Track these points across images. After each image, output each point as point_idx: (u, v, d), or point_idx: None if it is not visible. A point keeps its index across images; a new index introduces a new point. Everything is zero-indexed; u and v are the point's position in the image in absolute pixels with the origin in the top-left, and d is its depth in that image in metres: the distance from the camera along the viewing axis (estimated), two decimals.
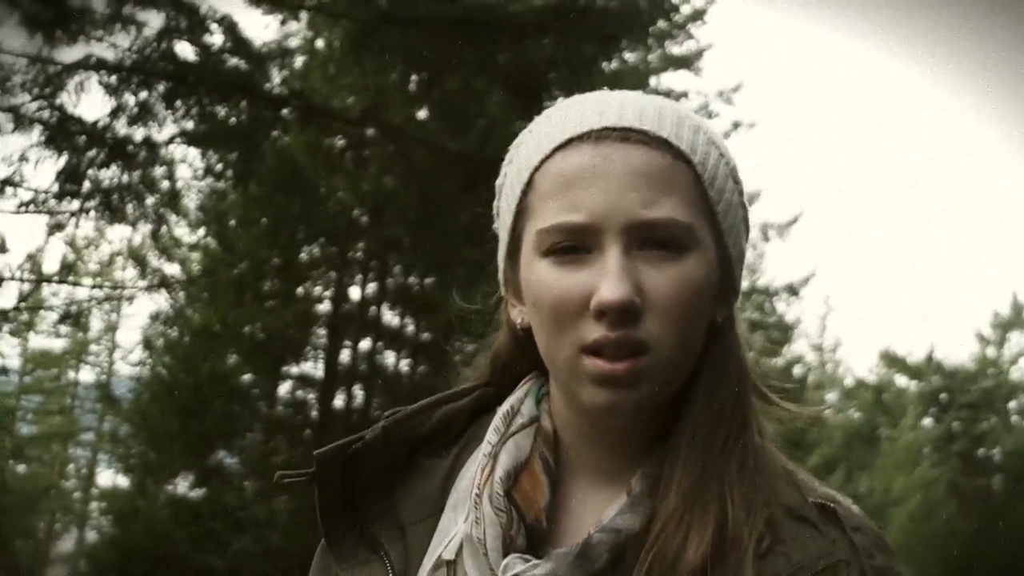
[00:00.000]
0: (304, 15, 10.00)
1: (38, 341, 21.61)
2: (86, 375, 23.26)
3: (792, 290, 18.06)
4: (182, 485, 12.40)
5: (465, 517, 1.04)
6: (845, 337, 39.27)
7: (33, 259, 8.45)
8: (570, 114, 1.04)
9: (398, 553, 1.07)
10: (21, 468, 22.53)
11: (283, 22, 10.77)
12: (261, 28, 19.71)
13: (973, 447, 25.32)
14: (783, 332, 20.02)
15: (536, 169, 1.03)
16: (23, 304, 8.69)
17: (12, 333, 8.65)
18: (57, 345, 22.42)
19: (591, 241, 0.98)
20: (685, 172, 1.00)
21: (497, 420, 1.09)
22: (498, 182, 1.12)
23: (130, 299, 13.34)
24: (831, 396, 27.64)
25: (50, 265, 12.40)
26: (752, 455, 1.02)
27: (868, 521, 1.05)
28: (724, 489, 0.98)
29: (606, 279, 0.96)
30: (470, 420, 1.16)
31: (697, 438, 1.00)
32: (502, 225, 1.10)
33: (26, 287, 8.44)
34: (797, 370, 21.65)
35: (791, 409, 1.11)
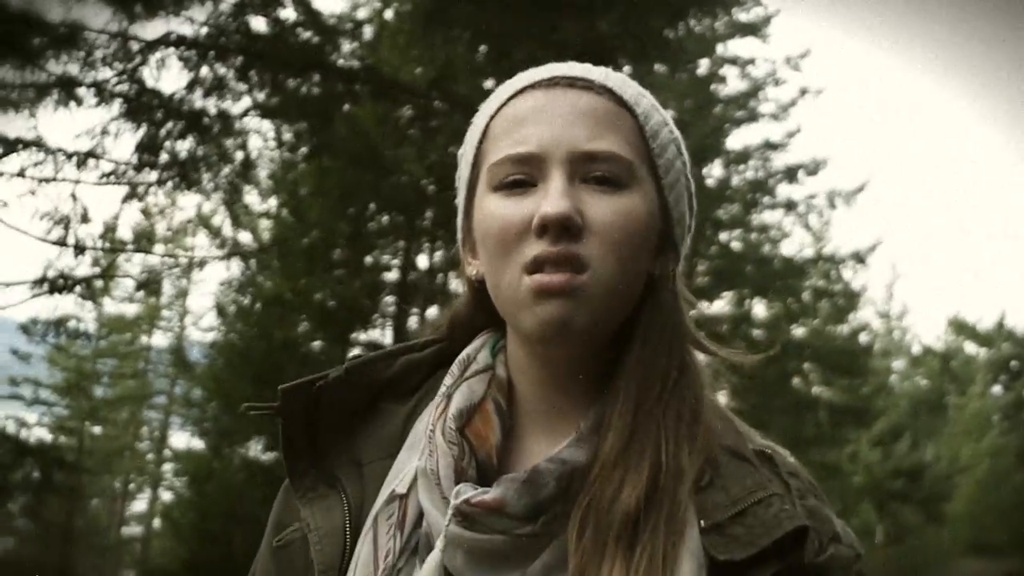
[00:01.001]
0: None
1: (112, 306, 21.94)
2: (158, 339, 23.75)
3: (859, 258, 17.84)
4: (254, 448, 12.74)
5: (420, 455, 1.08)
6: (913, 304, 38.71)
7: (111, 228, 8.67)
8: (526, 73, 1.11)
9: (355, 489, 1.11)
10: (97, 430, 23.12)
11: None
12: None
13: None
14: (849, 300, 19.82)
15: (492, 118, 1.10)
16: (103, 273, 8.95)
17: (88, 298, 8.88)
18: (130, 310, 22.80)
19: (537, 172, 1.03)
20: (628, 120, 1.07)
21: (453, 366, 1.13)
22: (459, 152, 1.17)
23: (201, 265, 13.56)
24: (898, 364, 27.37)
25: (124, 233, 12.68)
26: (690, 403, 1.05)
27: (803, 469, 1.09)
28: (660, 434, 1.02)
29: (548, 197, 1.01)
30: (430, 372, 1.20)
31: (631, 387, 1.04)
32: (460, 182, 1.15)
33: (104, 256, 8.71)
34: (863, 337, 21.45)
35: (728, 356, 1.14)
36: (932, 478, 24.21)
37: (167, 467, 23.45)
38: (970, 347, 27.41)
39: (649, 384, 1.04)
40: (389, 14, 11.08)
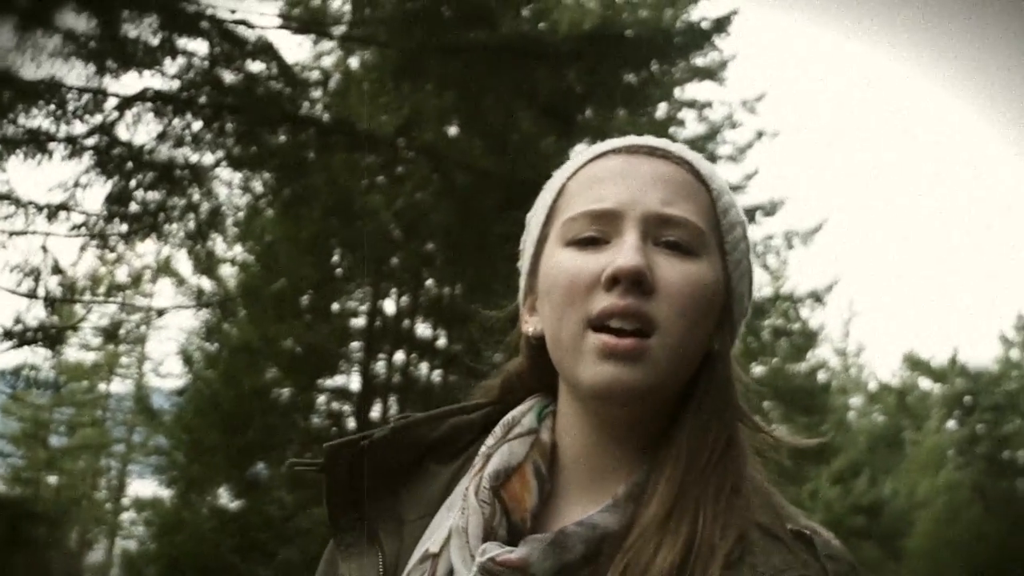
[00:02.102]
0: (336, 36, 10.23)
1: (70, 354, 21.69)
2: (116, 387, 23.51)
3: (816, 297, 18.15)
4: (223, 497, 12.68)
5: (456, 514, 1.08)
6: (869, 341, 39.24)
7: (80, 279, 8.66)
8: (605, 141, 1.15)
9: (392, 547, 1.12)
10: (53, 480, 22.78)
11: (315, 42, 11.06)
12: (294, 46, 19.93)
13: (998, 450, 25.25)
14: (807, 338, 20.10)
15: (569, 178, 1.13)
16: (74, 324, 8.92)
17: (53, 348, 8.84)
18: (88, 358, 22.58)
19: (611, 230, 1.05)
20: (703, 192, 1.10)
21: (497, 427, 1.14)
22: (528, 215, 1.19)
23: (160, 314, 13.51)
24: (855, 400, 27.67)
25: (85, 281, 12.61)
26: (732, 478, 1.05)
27: (846, 553, 1.06)
28: (699, 507, 1.01)
29: (622, 251, 1.02)
30: (478, 435, 1.19)
31: (682, 456, 1.04)
32: (527, 243, 1.17)
33: (77, 306, 8.69)
34: (821, 375, 21.73)
35: (779, 438, 1.15)
36: (890, 514, 24.44)
37: (125, 516, 23.17)
38: (925, 383, 27.77)
39: (697, 456, 1.04)
40: (354, 62, 11.23)
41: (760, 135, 17.93)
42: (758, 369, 19.00)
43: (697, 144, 17.50)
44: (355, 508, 1.14)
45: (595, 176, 1.10)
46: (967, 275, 54.17)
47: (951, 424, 26.47)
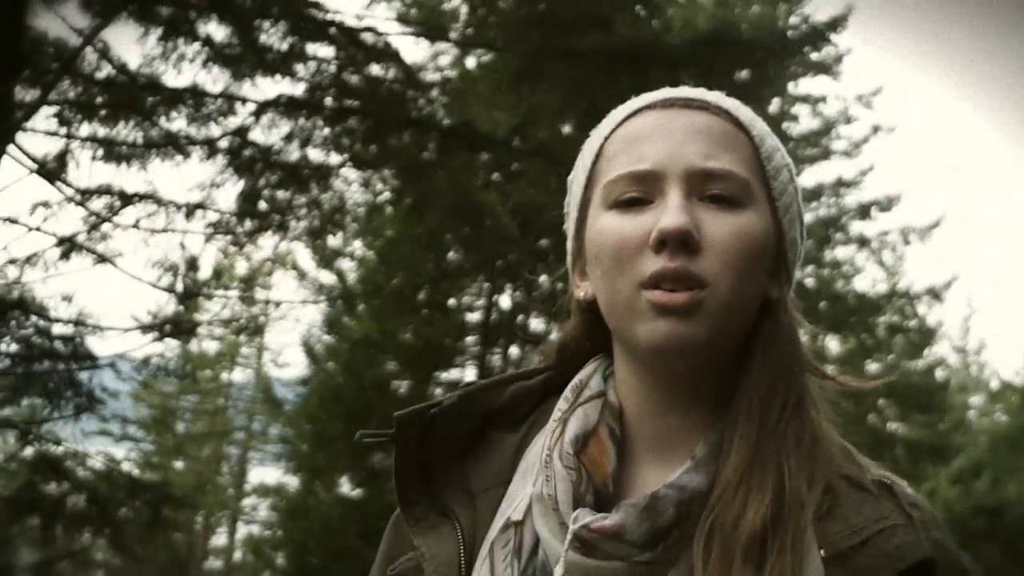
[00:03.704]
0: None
1: (194, 343, 22.35)
2: (237, 376, 24.28)
3: (934, 293, 17.79)
4: (344, 486, 13.13)
5: (534, 481, 1.07)
6: (991, 339, 38.10)
7: (217, 275, 9.12)
8: (639, 98, 1.12)
9: (467, 518, 1.10)
10: (179, 465, 23.65)
11: (432, 44, 11.35)
12: (411, 46, 20.35)
13: None
14: (925, 335, 19.71)
15: (606, 138, 1.11)
16: (212, 319, 9.40)
17: (187, 340, 9.32)
18: (211, 347, 23.32)
19: (654, 189, 1.03)
20: (744, 141, 1.07)
21: (567, 392, 1.12)
22: (569, 178, 1.18)
23: (278, 304, 14.01)
24: (976, 399, 26.98)
25: (216, 277, 13.12)
26: (808, 429, 1.03)
27: (926, 501, 1.05)
28: (781, 459, 1.00)
29: (666, 212, 1.00)
30: (539, 400, 1.19)
31: (753, 409, 1.02)
32: (571, 205, 1.16)
33: (214, 301, 9.18)
34: (939, 373, 21.27)
35: (847, 382, 1.13)
36: (1015, 517, 23.78)
37: (247, 502, 23.91)
38: None
39: (770, 407, 1.03)
40: (470, 62, 11.50)
41: (876, 130, 17.66)
42: (874, 367, 18.73)
43: (811, 139, 17.37)
44: (424, 480, 1.13)
45: (633, 135, 1.08)
46: None
47: None
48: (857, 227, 17.59)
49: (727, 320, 1.01)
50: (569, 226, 1.17)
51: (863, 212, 17.30)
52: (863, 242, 17.66)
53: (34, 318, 8.06)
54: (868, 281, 18.23)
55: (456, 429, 1.14)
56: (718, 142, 1.05)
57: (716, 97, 1.10)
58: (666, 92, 1.11)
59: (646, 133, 1.07)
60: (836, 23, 9.85)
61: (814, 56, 16.65)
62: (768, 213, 1.06)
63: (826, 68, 16.80)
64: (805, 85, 17.35)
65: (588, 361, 1.16)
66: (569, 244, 1.17)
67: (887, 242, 17.70)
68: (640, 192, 1.04)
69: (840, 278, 17.84)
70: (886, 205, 17.17)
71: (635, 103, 1.11)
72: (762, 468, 0.99)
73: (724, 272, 1.00)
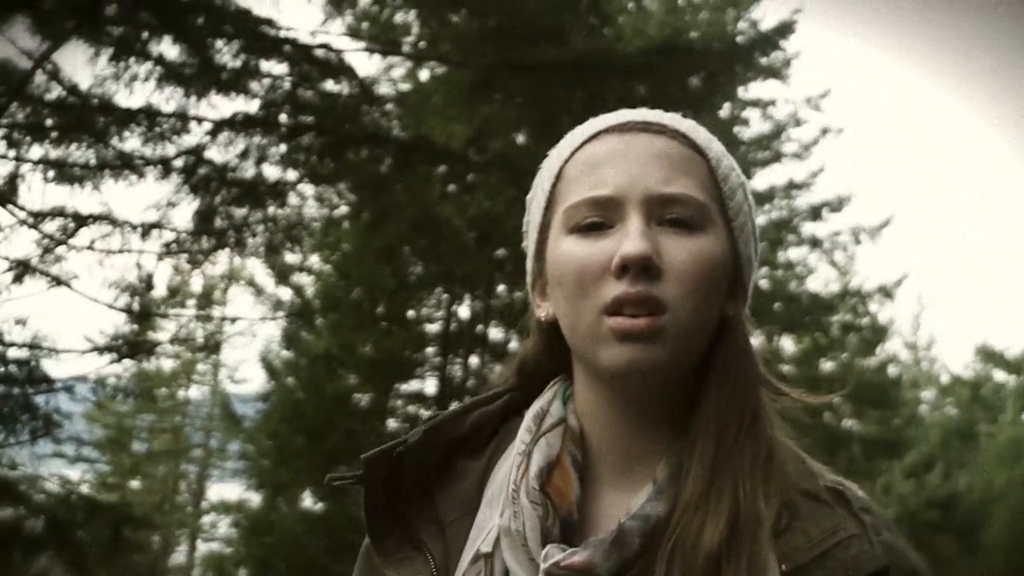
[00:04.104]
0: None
1: (146, 361, 22.02)
2: (193, 393, 24.07)
3: (885, 291, 18.06)
4: (307, 500, 13.08)
5: (501, 512, 1.08)
6: (940, 335, 38.72)
7: (175, 293, 9.06)
8: (597, 120, 1.14)
9: (439, 549, 1.11)
10: (135, 484, 23.40)
11: (384, 56, 11.35)
12: (363, 59, 20.30)
13: None
14: (877, 333, 19.98)
15: (566, 161, 1.12)
16: (173, 338, 9.34)
17: (145, 360, 9.26)
18: (166, 365, 23.08)
19: (614, 215, 1.05)
20: (701, 164, 1.09)
21: (529, 421, 1.13)
22: (528, 197, 1.20)
23: (234, 320, 13.94)
24: (927, 394, 27.38)
25: (173, 295, 13.02)
26: (763, 447, 1.05)
27: (875, 504, 1.08)
28: (737, 479, 1.02)
29: (627, 238, 1.02)
30: (500, 423, 1.21)
31: (711, 430, 1.04)
32: (531, 225, 1.18)
33: (171, 320, 9.12)
34: (892, 369, 21.57)
35: (801, 397, 1.14)
36: (966, 508, 24.15)
37: (206, 519, 23.69)
38: (999, 375, 27.36)
39: (726, 426, 1.05)
40: (423, 74, 11.51)
41: (825, 132, 17.87)
42: (827, 365, 18.95)
43: (762, 142, 17.56)
44: (394, 514, 1.14)
45: (592, 159, 1.09)
46: None
47: None
48: (809, 228, 17.81)
49: (687, 343, 1.04)
50: (529, 246, 1.18)
51: (814, 213, 17.50)
52: (815, 243, 17.86)
53: None
54: (821, 281, 18.46)
55: (422, 462, 1.16)
56: (676, 166, 1.07)
57: (672, 120, 1.12)
58: (623, 115, 1.13)
59: (605, 158, 1.08)
60: (785, 28, 9.99)
61: (763, 60, 16.87)
62: (724, 234, 1.09)
63: (775, 72, 16.98)
64: (755, 89, 17.54)
65: (548, 382, 1.18)
66: (529, 264, 1.19)
67: (838, 242, 17.92)
68: (600, 217, 1.06)
69: (793, 279, 18.03)
70: (837, 206, 17.39)
71: (593, 126, 1.13)
72: (719, 490, 1.01)
73: (684, 296, 1.02)
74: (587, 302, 1.03)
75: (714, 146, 1.12)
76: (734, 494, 1.01)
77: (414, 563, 1.11)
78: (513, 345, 12.63)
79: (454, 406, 1.24)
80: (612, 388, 1.08)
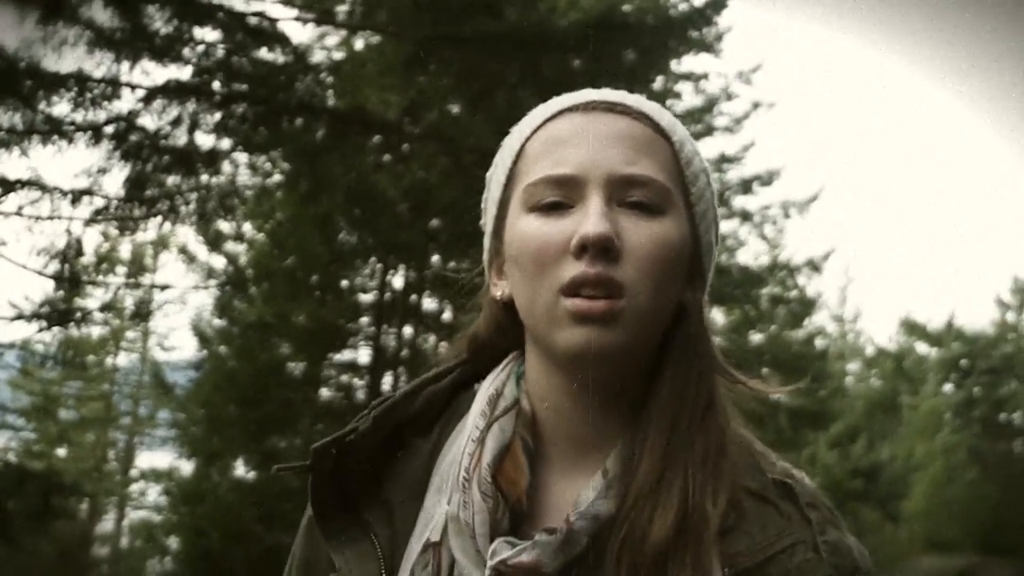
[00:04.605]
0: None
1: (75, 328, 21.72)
2: (121, 360, 23.78)
3: (813, 265, 18.39)
4: (239, 469, 13.07)
5: (448, 499, 1.06)
6: (866, 307, 39.53)
7: (103, 260, 8.97)
8: (562, 97, 1.12)
9: (386, 534, 1.09)
10: (62, 452, 23.10)
11: (318, 24, 11.27)
12: (298, 27, 20.08)
13: (994, 412, 25.48)
14: (805, 305, 20.34)
15: (527, 139, 1.10)
16: (105, 305, 9.26)
17: (69, 326, 9.18)
18: (94, 332, 22.77)
19: (575, 194, 1.03)
20: (664, 146, 1.07)
21: (483, 404, 1.10)
22: (488, 174, 1.17)
23: (163, 288, 13.84)
24: (852, 366, 27.95)
25: (103, 262, 12.86)
26: (716, 437, 1.04)
27: (821, 496, 1.08)
28: (687, 472, 1.00)
29: (587, 218, 1.00)
30: (449, 399, 1.19)
31: (664, 418, 1.02)
32: (489, 202, 1.15)
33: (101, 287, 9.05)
34: (819, 341, 21.99)
35: (756, 387, 1.13)
36: (888, 477, 24.77)
37: (134, 487, 23.49)
38: (922, 347, 27.98)
39: (679, 416, 1.03)
40: (358, 43, 11.44)
41: (756, 106, 18.06)
42: (756, 337, 19.27)
43: (694, 116, 17.72)
44: (341, 496, 1.12)
45: (554, 137, 1.07)
46: (963, 239, 54.35)
47: (948, 388, 26.69)
48: (740, 201, 18.03)
49: (644, 327, 1.02)
50: (487, 223, 1.16)
51: (745, 187, 17.71)
52: (745, 216, 18.08)
53: None
54: (751, 254, 18.74)
55: (372, 445, 1.13)
56: (639, 148, 1.05)
57: (637, 101, 1.10)
58: (588, 94, 1.10)
59: (567, 136, 1.06)
60: (717, 3, 10.09)
61: (696, 34, 16.97)
62: (685, 219, 1.06)
63: (708, 46, 17.09)
64: (687, 63, 17.64)
65: (501, 360, 1.16)
66: (487, 241, 1.17)
67: (768, 216, 18.17)
68: (561, 196, 1.03)
69: (724, 251, 18.26)
70: (767, 180, 17.62)
71: (556, 104, 1.11)
72: (669, 482, 1.00)
73: (643, 280, 1.00)
74: (545, 282, 1.01)
75: (678, 130, 1.10)
76: (684, 488, 1.00)
77: (360, 545, 1.09)
78: (447, 316, 12.71)
79: (402, 387, 1.21)
80: (567, 371, 1.05)
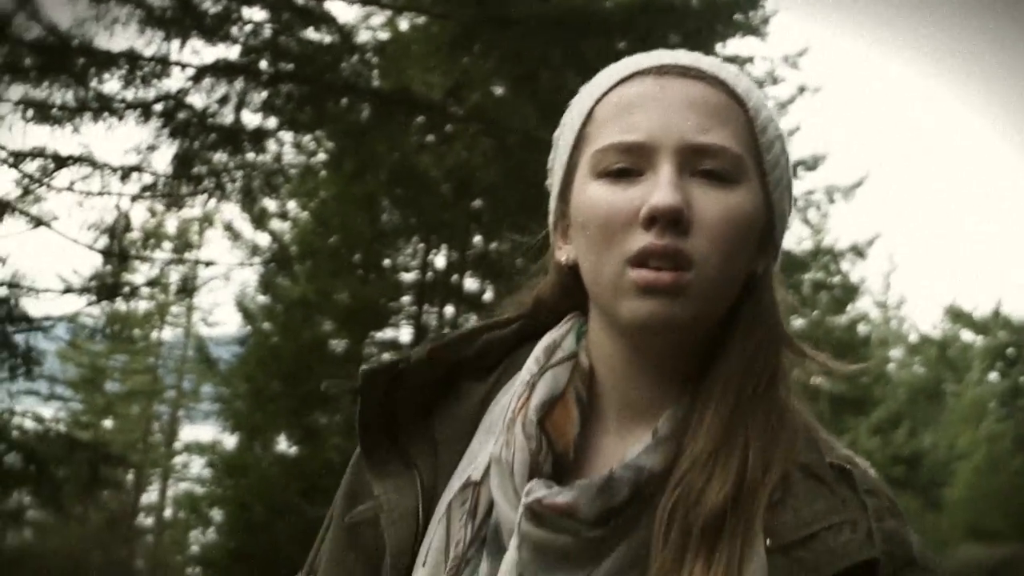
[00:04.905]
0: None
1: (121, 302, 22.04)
2: (166, 335, 24.12)
3: (857, 251, 18.26)
4: (282, 444, 13.28)
5: (496, 441, 1.06)
6: (910, 294, 39.09)
7: (152, 236, 9.13)
8: (634, 58, 1.08)
9: (428, 468, 1.10)
10: (109, 424, 23.50)
11: (364, 4, 11.34)
12: (343, 8, 20.17)
13: None
14: (848, 291, 20.21)
15: (597, 101, 1.06)
16: (153, 280, 9.44)
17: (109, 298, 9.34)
18: (141, 307, 23.08)
19: (644, 162, 1.00)
20: (739, 113, 1.04)
21: (539, 351, 1.10)
22: (555, 134, 1.14)
23: (207, 264, 14.02)
24: (895, 352, 27.72)
25: (151, 238, 13.05)
26: (777, 410, 1.02)
27: (883, 485, 1.04)
28: (748, 440, 0.99)
29: (658, 188, 0.97)
30: (511, 349, 1.17)
31: (729, 385, 1.01)
32: (556, 163, 1.12)
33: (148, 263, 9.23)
34: (861, 328, 21.86)
35: (826, 363, 1.11)
36: (930, 465, 24.61)
37: (178, 459, 23.87)
38: (967, 335, 27.66)
39: (745, 385, 1.02)
40: (403, 23, 11.51)
41: (802, 90, 17.92)
42: (798, 322, 19.19)
43: None
44: (388, 430, 1.12)
45: (625, 102, 1.04)
46: (1010, 227, 53.59)
47: (993, 376, 26.42)
48: None
49: (712, 300, 1.00)
50: (553, 185, 1.14)
51: (791, 173, 17.57)
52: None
53: None
54: (794, 239, 18.64)
55: (423, 380, 1.13)
56: (713, 115, 1.02)
57: (712, 65, 1.06)
58: (661, 56, 1.07)
59: (639, 101, 1.03)
60: None
61: (742, 17, 16.85)
62: (759, 188, 1.04)
63: (753, 29, 16.96)
64: (733, 46, 17.49)
65: (563, 318, 1.14)
66: (552, 204, 1.14)
67: (812, 201, 18.06)
68: (630, 164, 1.01)
69: None
70: (812, 164, 17.49)
71: (628, 66, 1.07)
72: (729, 448, 0.99)
73: (712, 252, 0.98)
74: (611, 251, 0.99)
75: (754, 95, 1.06)
76: (743, 458, 0.98)
77: (401, 478, 1.09)
78: (488, 296, 12.77)
79: (461, 328, 1.20)
80: (628, 339, 1.04)
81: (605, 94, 1.06)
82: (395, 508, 1.07)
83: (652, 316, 0.98)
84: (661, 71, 1.04)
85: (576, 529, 0.97)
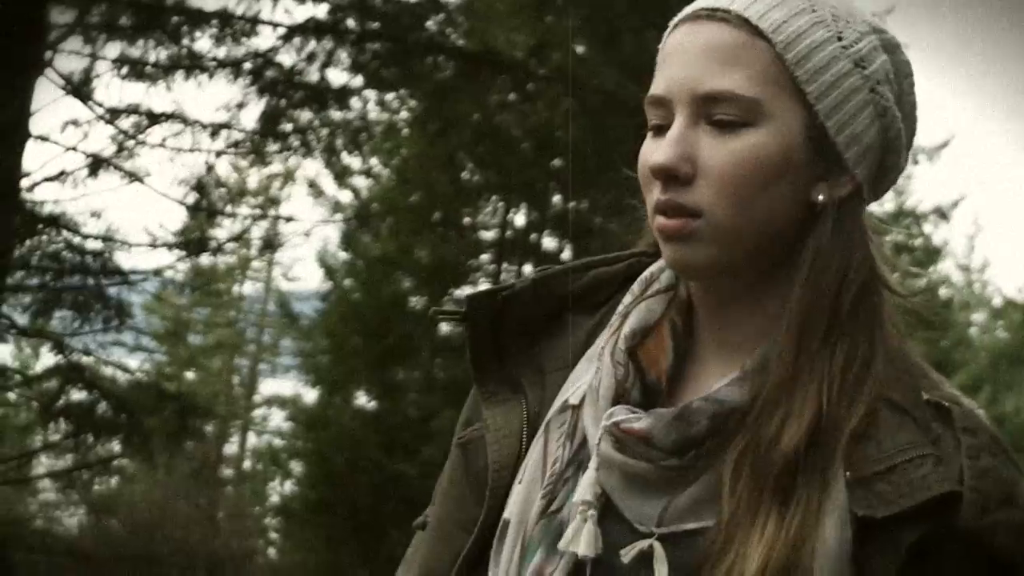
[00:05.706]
0: None
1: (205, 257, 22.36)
2: (247, 289, 24.49)
3: (941, 213, 17.91)
4: (361, 399, 13.49)
5: (591, 369, 1.08)
6: (994, 257, 38.20)
7: (241, 193, 9.33)
8: (688, 7, 1.06)
9: (535, 395, 1.11)
10: (191, 376, 23.98)
11: None
12: None
13: None
14: (930, 254, 19.85)
15: (660, 51, 1.07)
16: (239, 235, 9.66)
17: (199, 252, 9.56)
18: (223, 261, 23.44)
19: (669, 115, 1.01)
20: (761, 51, 1.00)
21: (636, 284, 1.12)
22: None
23: (288, 220, 14.23)
24: (978, 316, 27.20)
25: (237, 195, 13.26)
26: (861, 349, 1.00)
27: (986, 425, 1.01)
28: (823, 381, 0.97)
29: (660, 145, 1.00)
30: (621, 286, 1.16)
31: (793, 323, 0.99)
32: None
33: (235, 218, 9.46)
34: (944, 291, 21.48)
35: (914, 304, 1.11)
36: (1012, 430, 24.19)
37: (257, 412, 24.31)
38: None
39: (813, 323, 0.99)
40: None
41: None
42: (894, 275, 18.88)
43: None
44: (496, 358, 1.14)
45: (663, 55, 1.05)
46: None
47: None
48: None
49: (734, 242, 1.00)
50: None
51: None
52: None
53: (65, 234, 8.29)
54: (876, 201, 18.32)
55: (531, 312, 1.14)
56: (726, 60, 0.99)
57: (743, 3, 1.01)
58: (697, 3, 1.05)
59: (671, 52, 1.03)
60: None
61: None
62: (797, 123, 1.00)
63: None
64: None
65: None
66: None
67: None
68: (660, 118, 1.03)
69: None
70: None
71: (679, 16, 1.06)
72: (803, 390, 0.97)
73: (719, 199, 0.98)
74: (649, 202, 1.04)
75: (789, 26, 1.00)
76: (818, 397, 0.96)
77: (508, 404, 1.12)
78: (566, 255, 12.78)
79: (570, 261, 1.21)
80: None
81: (662, 45, 1.07)
82: (500, 428, 1.11)
83: (674, 261, 1.02)
84: (694, 16, 1.03)
85: (653, 456, 0.99)
